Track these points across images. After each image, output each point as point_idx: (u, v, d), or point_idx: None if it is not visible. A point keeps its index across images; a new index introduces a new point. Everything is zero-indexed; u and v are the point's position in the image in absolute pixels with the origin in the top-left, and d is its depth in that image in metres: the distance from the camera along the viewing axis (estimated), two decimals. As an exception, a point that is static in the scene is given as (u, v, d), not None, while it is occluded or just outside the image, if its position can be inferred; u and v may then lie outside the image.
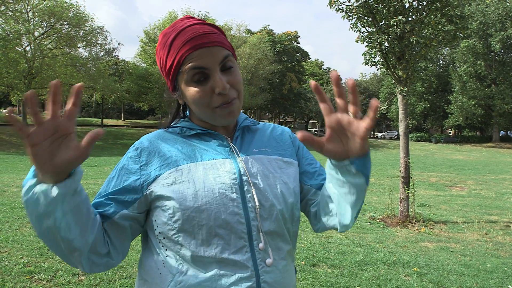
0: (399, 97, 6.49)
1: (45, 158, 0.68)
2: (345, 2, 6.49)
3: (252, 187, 0.90)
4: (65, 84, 28.44)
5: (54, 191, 0.71)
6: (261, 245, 0.88)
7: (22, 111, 28.99)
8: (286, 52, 50.23)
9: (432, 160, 24.21)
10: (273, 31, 54.08)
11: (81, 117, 47.34)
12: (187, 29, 0.88)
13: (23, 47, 27.02)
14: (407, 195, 6.37)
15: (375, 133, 61.17)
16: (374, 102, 0.70)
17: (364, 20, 6.48)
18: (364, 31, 6.60)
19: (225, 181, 0.88)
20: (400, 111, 6.50)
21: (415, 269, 4.15)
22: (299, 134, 0.71)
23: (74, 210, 0.75)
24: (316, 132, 49.41)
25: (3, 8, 25.14)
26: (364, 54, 6.66)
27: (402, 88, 6.37)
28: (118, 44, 63.85)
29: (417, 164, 19.02)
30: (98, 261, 0.84)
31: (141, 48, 39.10)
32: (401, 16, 6.03)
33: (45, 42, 28.03)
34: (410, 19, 6.24)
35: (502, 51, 38.04)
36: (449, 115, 41.54)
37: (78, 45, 29.82)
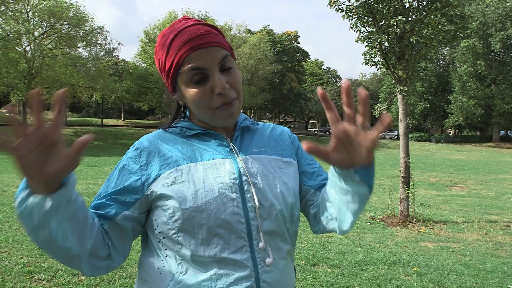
0: (399, 97, 6.49)
1: (34, 169, 0.66)
2: (345, 2, 6.50)
3: (252, 187, 0.90)
4: (65, 84, 28.48)
5: (48, 203, 0.70)
6: (261, 244, 0.88)
7: (22, 111, 28.98)
8: (286, 52, 50.23)
9: (432, 160, 24.21)
10: (273, 31, 54.10)
11: (81, 117, 47.34)
12: (186, 30, 0.88)
13: (23, 47, 27.01)
14: (407, 195, 6.37)
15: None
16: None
17: (364, 20, 6.48)
18: (364, 31, 6.61)
19: (225, 180, 0.88)
20: (400, 111, 6.50)
21: (415, 269, 4.15)
22: (304, 146, 0.71)
23: (70, 219, 0.74)
24: (316, 132, 49.40)
25: (3, 8, 25.13)
26: (364, 54, 6.66)
27: (402, 88, 6.37)
28: (118, 44, 63.94)
29: (417, 164, 19.03)
30: (99, 265, 0.84)
31: (141, 48, 39.09)
32: (401, 16, 6.03)
33: (45, 42, 28.03)
34: (410, 19, 6.24)
35: (502, 51, 38.05)
36: (449, 115, 41.55)
37: (78, 45, 29.80)
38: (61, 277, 3.42)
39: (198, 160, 0.91)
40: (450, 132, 53.45)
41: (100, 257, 0.84)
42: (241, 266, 0.85)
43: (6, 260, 3.78)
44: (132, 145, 0.95)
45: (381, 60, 6.55)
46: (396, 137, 50.72)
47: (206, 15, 39.81)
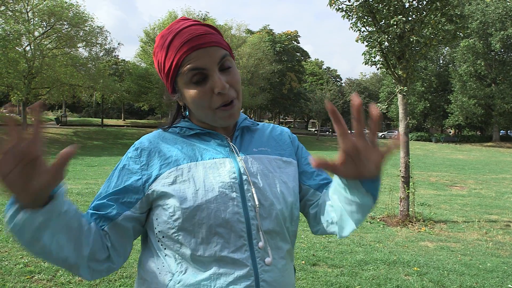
0: (399, 96, 6.49)
1: (18, 187, 0.65)
2: (345, 1, 6.50)
3: (252, 186, 0.90)
4: (65, 84, 28.50)
5: (37, 218, 0.69)
6: (260, 244, 0.88)
7: (22, 111, 28.99)
8: (286, 52, 50.21)
9: (432, 159, 24.21)
10: (273, 31, 54.08)
11: (81, 117, 47.34)
12: (184, 30, 0.88)
13: (23, 47, 27.00)
14: (407, 194, 6.37)
15: (375, 132, 61.17)
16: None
17: (364, 20, 6.48)
18: (364, 31, 6.61)
19: (225, 180, 0.89)
20: (400, 111, 6.50)
21: (415, 268, 4.15)
22: (312, 162, 0.72)
23: (63, 230, 0.74)
24: (316, 132, 49.38)
25: (3, 8, 25.13)
26: (364, 53, 6.66)
27: (402, 87, 6.37)
28: (118, 44, 63.97)
29: (417, 163, 19.03)
30: (98, 268, 0.84)
31: (141, 48, 39.07)
32: (401, 16, 6.03)
33: (45, 42, 28.01)
34: (410, 18, 6.24)
35: (502, 50, 38.06)
36: (449, 115, 41.55)
37: (78, 45, 29.78)
38: (61, 277, 3.42)
39: (198, 159, 0.91)
40: (450, 132, 53.44)
41: (99, 260, 0.84)
42: (240, 265, 0.86)
43: (6, 260, 3.78)
44: (132, 145, 0.95)
45: (381, 59, 6.55)
46: (397, 136, 50.68)
47: (206, 15, 39.80)
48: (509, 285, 3.79)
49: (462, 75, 38.51)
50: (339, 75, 72.69)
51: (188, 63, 0.87)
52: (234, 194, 0.88)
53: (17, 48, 25.51)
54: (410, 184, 6.44)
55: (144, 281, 0.92)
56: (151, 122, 44.53)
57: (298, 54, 55.16)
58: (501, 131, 43.95)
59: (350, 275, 3.89)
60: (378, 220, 6.59)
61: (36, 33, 27.07)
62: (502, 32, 35.07)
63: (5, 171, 0.63)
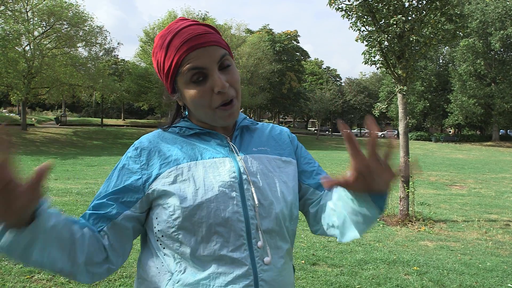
0: (399, 96, 6.49)
1: None
2: (345, 1, 6.50)
3: (252, 186, 0.90)
4: (65, 83, 28.49)
5: (23, 238, 0.69)
6: (259, 243, 0.88)
7: (22, 111, 28.98)
8: (286, 52, 50.20)
9: (432, 159, 24.22)
10: (273, 31, 54.07)
11: (80, 116, 47.31)
12: (183, 30, 0.88)
13: (23, 46, 27.00)
14: (407, 194, 6.37)
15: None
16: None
17: (364, 19, 6.48)
18: (364, 30, 6.61)
19: (225, 179, 0.89)
20: (400, 110, 6.50)
21: (415, 268, 4.15)
22: (324, 184, 0.74)
23: (53, 243, 0.74)
24: (316, 131, 49.39)
25: (2, 8, 25.12)
26: (364, 53, 6.66)
27: (401, 87, 6.37)
28: (118, 43, 63.90)
29: (417, 163, 19.00)
30: (98, 271, 0.84)
31: (141, 47, 39.03)
32: (401, 15, 6.03)
33: (45, 42, 28.01)
34: (409, 18, 6.24)
35: (501, 50, 38.07)
36: (449, 114, 41.56)
37: (78, 45, 29.79)
38: (61, 277, 3.42)
39: (198, 158, 0.91)
40: (450, 131, 53.47)
41: (97, 263, 0.84)
42: (239, 264, 0.86)
43: (6, 260, 3.78)
44: (132, 145, 0.96)
45: (380, 59, 6.55)
46: (396, 136, 50.70)
47: (206, 15, 39.76)
48: (509, 284, 3.79)
49: (461, 75, 38.51)
50: (338, 74, 72.69)
51: (188, 62, 0.87)
52: (233, 194, 0.88)
53: (16, 48, 25.52)
54: (410, 183, 6.44)
55: (143, 281, 0.93)
56: (150, 122, 44.50)
57: (297, 53, 55.14)
58: (500, 131, 43.97)
59: (350, 274, 3.89)
60: (378, 219, 6.59)
61: (36, 33, 27.07)
62: (501, 32, 35.07)
63: None
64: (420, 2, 6.28)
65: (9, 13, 25.40)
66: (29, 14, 26.96)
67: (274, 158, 0.99)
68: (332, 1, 6.51)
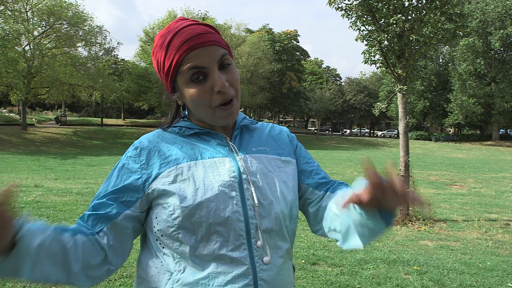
0: (399, 95, 6.49)
1: None
2: (345, 0, 6.50)
3: (251, 185, 0.90)
4: (65, 83, 28.48)
5: (8, 265, 0.69)
6: (259, 243, 0.88)
7: (22, 111, 28.98)
8: (286, 51, 50.19)
9: (432, 158, 24.22)
10: (273, 30, 54.04)
11: (80, 116, 47.30)
12: (183, 30, 0.89)
13: (22, 46, 27.00)
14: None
15: (374, 131, 61.24)
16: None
17: (364, 19, 6.48)
18: (363, 30, 6.60)
19: (224, 179, 0.89)
20: (400, 110, 6.50)
21: (415, 267, 4.15)
22: (342, 206, 0.78)
23: (43, 260, 0.73)
24: (316, 131, 49.39)
25: (2, 7, 25.11)
26: (363, 52, 6.66)
27: (401, 86, 6.37)
28: (118, 43, 63.60)
29: (417, 162, 19.04)
30: (97, 273, 0.84)
31: (141, 47, 39.02)
32: (401, 15, 6.03)
33: (45, 42, 28.00)
34: (409, 17, 6.24)
35: (501, 49, 38.06)
36: (449, 114, 41.56)
37: (78, 45, 29.77)
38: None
39: (198, 158, 0.92)
40: (450, 131, 53.46)
41: (96, 265, 0.83)
42: (239, 264, 0.86)
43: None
44: (132, 145, 0.96)
45: (380, 58, 6.55)
46: (396, 135, 50.75)
47: (206, 14, 39.74)
48: (509, 284, 3.80)
49: (461, 74, 38.51)
50: (338, 74, 72.70)
51: (188, 62, 0.87)
52: (233, 193, 0.88)
53: (16, 47, 25.52)
54: (410, 183, 6.44)
55: (143, 280, 0.93)
56: (150, 122, 44.51)
57: (297, 53, 55.13)
58: (500, 130, 43.96)
59: (350, 274, 3.89)
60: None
61: (36, 33, 27.06)
62: (501, 31, 35.07)
63: None
64: (420, 2, 6.28)
65: (9, 13, 25.39)
66: (28, 14, 26.95)
67: (274, 158, 1.00)
68: (332, 0, 6.51)
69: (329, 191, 1.01)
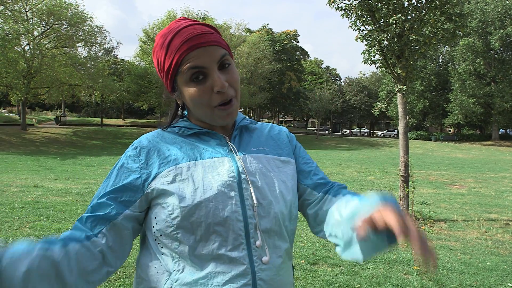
0: (399, 95, 6.49)
1: None
2: (344, 0, 6.50)
3: (250, 185, 0.91)
4: (64, 83, 28.48)
5: None
6: (258, 242, 0.88)
7: (21, 111, 28.97)
8: (286, 51, 50.21)
9: (431, 158, 24.23)
10: (272, 30, 54.06)
11: (80, 116, 47.29)
12: (184, 30, 0.89)
13: (22, 46, 27.01)
14: (407, 193, 6.37)
15: (374, 131, 61.25)
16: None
17: (364, 19, 6.48)
18: (363, 30, 6.60)
19: (223, 179, 0.89)
20: (400, 110, 6.50)
21: (414, 267, 4.15)
22: (361, 235, 0.73)
23: (35, 281, 0.72)
24: (315, 131, 49.39)
25: (1, 7, 25.10)
26: (363, 52, 6.66)
27: (401, 86, 6.37)
28: (117, 43, 63.76)
29: (417, 162, 19.05)
30: (97, 277, 0.83)
31: (140, 47, 39.03)
32: (400, 15, 6.03)
33: (44, 42, 28.00)
34: (409, 17, 6.24)
35: (501, 49, 38.10)
36: (449, 114, 41.59)
37: (77, 45, 29.78)
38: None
39: (197, 158, 0.92)
40: (449, 131, 53.51)
41: (94, 270, 0.82)
42: (237, 263, 0.86)
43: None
44: (131, 144, 0.96)
45: (380, 58, 6.55)
46: (395, 135, 50.77)
47: (205, 14, 39.75)
48: (509, 284, 3.80)
49: (461, 74, 38.53)
50: (338, 74, 72.73)
51: (188, 61, 0.87)
52: (232, 193, 0.88)
53: (16, 48, 25.52)
54: (410, 183, 6.44)
55: (142, 280, 0.93)
56: (150, 122, 44.52)
57: (297, 53, 55.16)
58: (500, 130, 44.00)
59: (350, 274, 3.89)
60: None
61: (35, 33, 27.06)
62: (501, 31, 35.10)
63: None
64: (420, 1, 6.27)
65: (9, 13, 25.39)
66: (28, 14, 26.95)
67: (273, 158, 1.00)
68: (332, 0, 6.51)
69: (329, 194, 1.01)
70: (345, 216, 0.86)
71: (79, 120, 39.77)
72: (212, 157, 0.92)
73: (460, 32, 6.48)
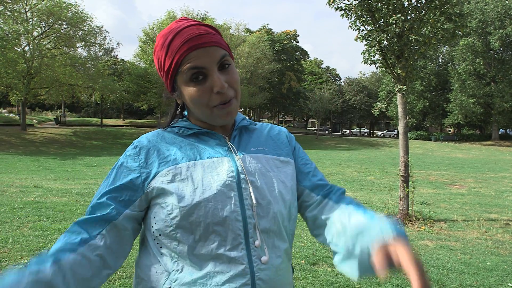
0: (398, 95, 6.49)
1: None
2: (344, 0, 6.50)
3: (250, 185, 0.91)
4: (64, 84, 28.48)
5: None
6: (257, 242, 0.88)
7: (21, 112, 28.97)
8: (285, 51, 50.22)
9: (431, 158, 24.24)
10: (272, 30, 54.08)
11: (80, 117, 47.28)
12: (184, 30, 0.89)
13: (22, 47, 27.00)
14: (407, 193, 6.37)
15: (374, 131, 61.26)
16: None
17: (363, 19, 6.48)
18: (363, 30, 6.60)
19: (223, 179, 0.89)
20: (400, 110, 6.50)
21: (415, 267, 4.15)
22: (379, 267, 0.73)
23: None
24: (315, 131, 49.39)
25: (1, 8, 25.11)
26: (363, 52, 6.66)
27: (401, 86, 6.37)
28: (117, 43, 63.88)
29: (417, 162, 19.05)
30: (97, 281, 0.83)
31: (140, 47, 39.05)
32: (400, 15, 6.03)
33: (44, 42, 28.01)
34: (409, 17, 6.24)
35: (501, 49, 38.10)
36: (449, 114, 41.59)
37: (77, 45, 29.79)
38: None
39: (197, 158, 0.92)
40: (449, 131, 53.51)
41: (93, 275, 0.82)
42: (236, 263, 0.86)
43: (6, 260, 3.77)
44: (131, 144, 0.96)
45: (380, 58, 6.54)
46: (395, 135, 50.77)
47: (205, 15, 39.76)
48: (509, 284, 3.80)
49: (461, 74, 38.54)
50: (338, 74, 72.66)
51: (188, 62, 0.88)
52: (231, 193, 0.88)
53: (16, 48, 25.52)
54: (410, 183, 6.44)
55: (141, 280, 0.93)
56: (150, 122, 44.53)
57: (297, 53, 55.17)
58: (500, 130, 44.00)
59: (350, 274, 3.88)
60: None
61: (35, 33, 27.07)
62: (501, 31, 35.10)
63: None
64: (419, 1, 6.27)
65: (8, 13, 25.39)
66: (28, 14, 26.95)
67: (272, 158, 1.00)
68: (332, 0, 6.51)
69: (329, 199, 0.99)
70: (350, 230, 0.84)
71: (79, 121, 39.77)
72: (211, 157, 0.93)
73: (459, 32, 6.48)
